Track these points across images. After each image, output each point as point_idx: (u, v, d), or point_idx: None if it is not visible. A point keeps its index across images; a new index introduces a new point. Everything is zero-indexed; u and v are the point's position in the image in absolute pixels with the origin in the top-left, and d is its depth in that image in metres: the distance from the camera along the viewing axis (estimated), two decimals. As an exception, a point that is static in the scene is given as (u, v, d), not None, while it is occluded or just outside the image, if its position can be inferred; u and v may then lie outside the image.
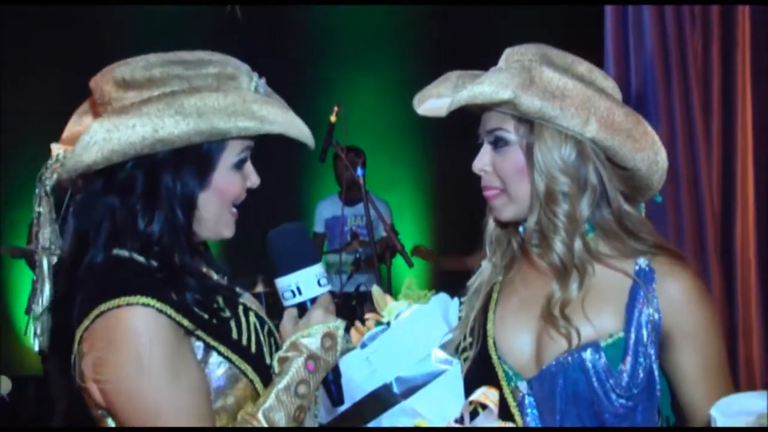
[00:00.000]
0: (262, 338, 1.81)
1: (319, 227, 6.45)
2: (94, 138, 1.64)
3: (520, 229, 1.90)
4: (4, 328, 7.22)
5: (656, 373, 1.75)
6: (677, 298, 1.77)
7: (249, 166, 1.82)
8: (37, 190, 1.75)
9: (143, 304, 1.60)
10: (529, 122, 1.78)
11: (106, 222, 1.71)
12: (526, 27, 7.04)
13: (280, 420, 1.68)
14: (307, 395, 1.73)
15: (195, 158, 1.71)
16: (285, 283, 1.77)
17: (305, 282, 1.76)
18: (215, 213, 1.77)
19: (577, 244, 1.79)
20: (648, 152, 1.81)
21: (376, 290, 1.93)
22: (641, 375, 1.74)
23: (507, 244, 1.95)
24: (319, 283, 1.77)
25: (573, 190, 1.78)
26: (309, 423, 1.80)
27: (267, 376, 1.76)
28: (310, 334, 1.75)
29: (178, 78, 1.70)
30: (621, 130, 1.77)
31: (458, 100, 1.78)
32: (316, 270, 1.77)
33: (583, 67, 1.83)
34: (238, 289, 1.88)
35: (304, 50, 7.37)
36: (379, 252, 5.33)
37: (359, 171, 4.45)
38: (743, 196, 3.78)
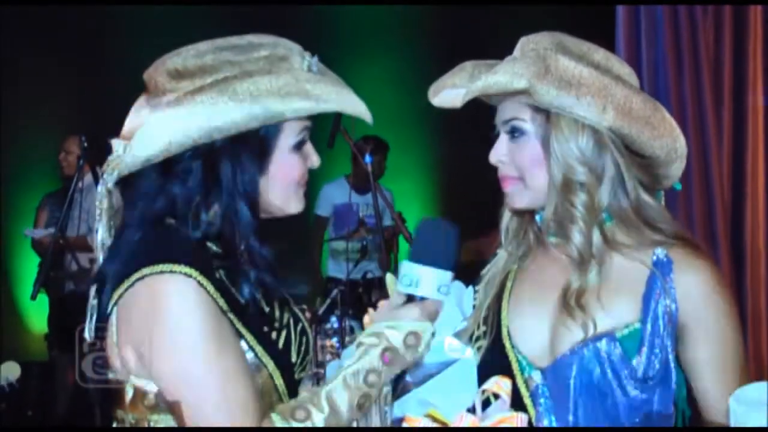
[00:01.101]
0: (293, 335, 1.78)
1: (323, 210, 6.32)
2: (150, 132, 1.65)
3: (537, 218, 1.88)
4: (9, 314, 7.23)
5: (672, 364, 1.74)
6: (695, 289, 1.76)
7: (309, 147, 1.80)
8: (99, 187, 1.74)
9: (185, 274, 1.59)
10: (545, 112, 1.76)
11: (161, 203, 1.70)
12: (535, 15, 7.01)
13: (342, 403, 1.65)
14: (376, 385, 1.69)
15: (253, 143, 1.70)
16: (408, 269, 1.73)
17: (426, 280, 1.71)
18: (280, 194, 1.77)
19: (596, 234, 1.78)
20: (667, 139, 1.79)
21: (389, 278, 1.91)
22: (657, 366, 1.73)
23: (523, 234, 1.94)
24: (438, 290, 1.72)
25: (591, 180, 1.76)
26: (376, 418, 1.75)
27: (289, 373, 1.75)
28: (396, 327, 1.71)
29: (230, 63, 1.68)
30: (639, 117, 1.76)
31: (473, 90, 1.77)
32: (442, 276, 1.71)
33: (600, 54, 1.81)
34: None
35: (309, 39, 7.34)
36: (387, 239, 5.32)
37: (367, 158, 4.44)
38: (753, 187, 3.78)
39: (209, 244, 1.71)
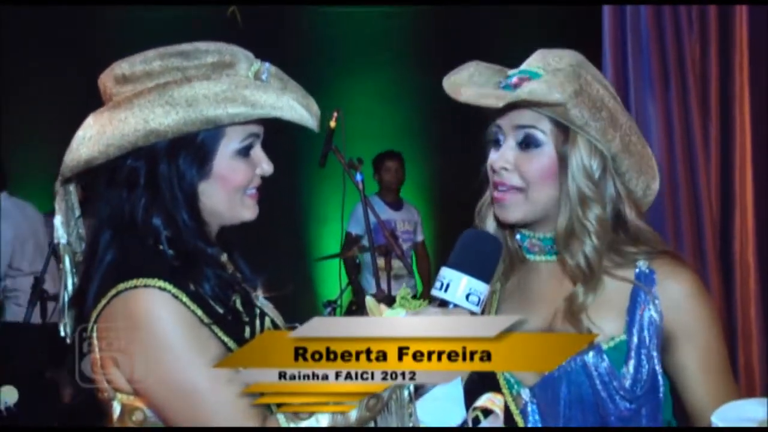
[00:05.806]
0: None
1: (354, 228, 6.25)
2: (89, 133, 1.68)
3: (518, 237, 1.90)
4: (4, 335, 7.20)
5: (659, 375, 1.76)
6: (678, 298, 1.77)
7: (258, 154, 1.79)
8: (55, 189, 1.77)
9: (159, 288, 1.61)
10: (565, 127, 1.76)
11: (117, 213, 1.72)
12: (523, 30, 7.07)
13: None
14: (386, 386, 1.58)
15: (191, 147, 1.71)
16: (443, 273, 1.70)
17: (455, 285, 1.67)
18: (223, 200, 1.76)
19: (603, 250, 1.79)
20: (648, 177, 1.85)
21: (369, 300, 1.90)
22: (645, 377, 1.74)
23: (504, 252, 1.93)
24: (467, 298, 1.67)
25: (599, 199, 1.78)
26: (395, 419, 1.65)
27: None
28: None
29: (176, 69, 1.70)
30: (635, 152, 1.81)
31: (514, 96, 1.73)
32: (473, 284, 1.66)
33: (606, 79, 1.85)
34: (256, 294, 1.87)
35: (302, 55, 7.37)
36: (381, 257, 5.32)
37: (358, 176, 4.45)
38: (742, 200, 3.78)
39: (164, 248, 1.71)
